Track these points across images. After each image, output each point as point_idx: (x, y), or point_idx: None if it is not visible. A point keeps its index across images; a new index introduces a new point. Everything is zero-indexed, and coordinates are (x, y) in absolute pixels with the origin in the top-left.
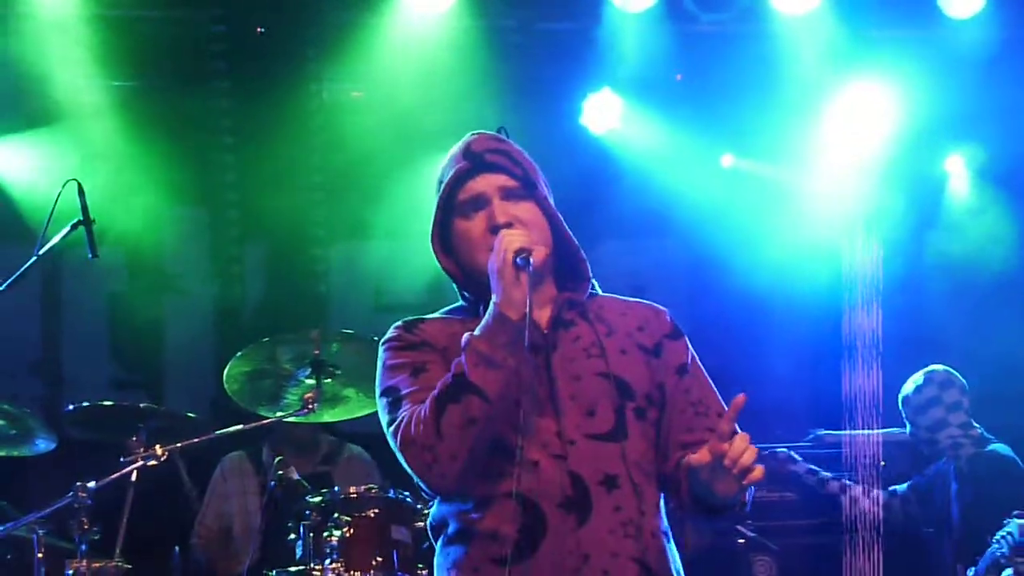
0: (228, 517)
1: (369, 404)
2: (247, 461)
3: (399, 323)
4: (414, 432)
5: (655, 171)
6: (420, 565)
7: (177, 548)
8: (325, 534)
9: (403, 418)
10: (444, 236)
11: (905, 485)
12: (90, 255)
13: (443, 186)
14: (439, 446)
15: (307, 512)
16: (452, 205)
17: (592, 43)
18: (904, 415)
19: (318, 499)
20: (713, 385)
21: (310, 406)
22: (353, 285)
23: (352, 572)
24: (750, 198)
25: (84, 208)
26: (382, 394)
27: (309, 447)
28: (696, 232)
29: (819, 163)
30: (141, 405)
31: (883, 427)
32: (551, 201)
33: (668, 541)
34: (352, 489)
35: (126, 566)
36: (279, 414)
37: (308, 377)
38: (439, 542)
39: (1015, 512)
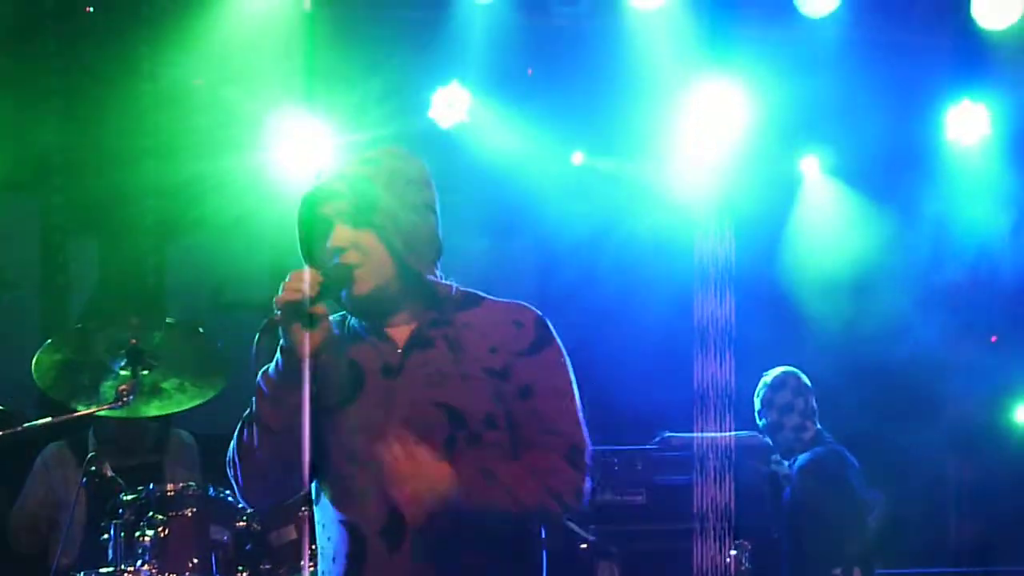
0: (51, 509)
1: (193, 397)
2: (68, 452)
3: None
4: (230, 448)
5: (504, 168)
6: (240, 567)
7: None
8: (138, 534)
9: None
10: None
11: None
12: None
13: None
14: (237, 465)
15: (120, 511)
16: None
17: (441, 33)
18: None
19: (132, 496)
20: (568, 398)
21: (125, 398)
22: (189, 280)
23: (167, 574)
24: (602, 196)
25: None
26: None
27: (135, 436)
28: (546, 231)
29: (672, 161)
30: None
31: (734, 429)
32: (402, 220)
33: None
34: (169, 487)
35: None
36: (90, 408)
37: (124, 368)
38: None
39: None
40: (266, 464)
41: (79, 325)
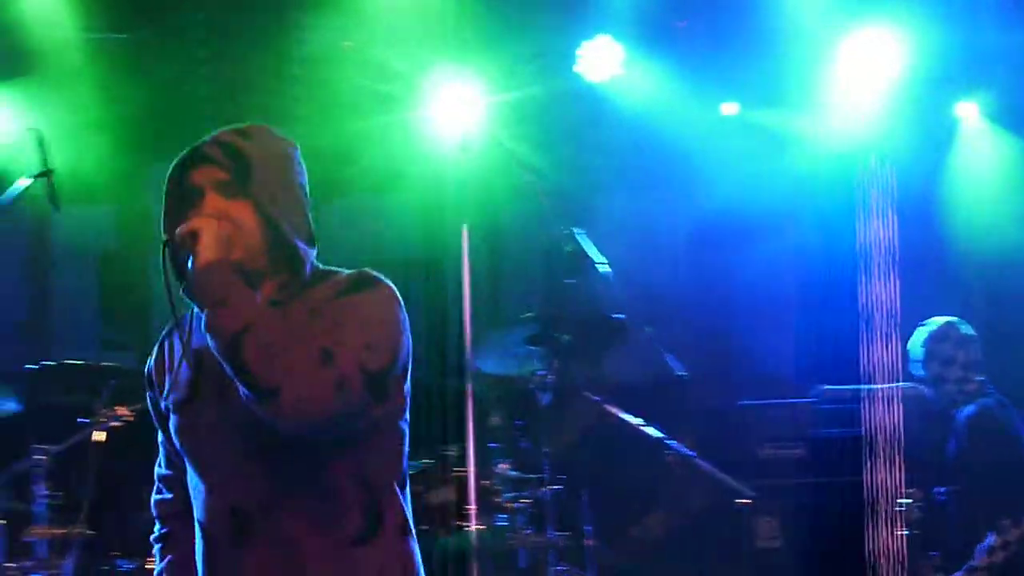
0: None
1: None
2: None
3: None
4: None
5: (656, 121)
6: None
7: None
8: None
9: None
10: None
11: None
12: (53, 208)
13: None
14: None
15: None
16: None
17: None
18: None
19: None
20: (358, 332)
21: None
22: (338, 241)
23: None
24: (756, 147)
25: (44, 158)
26: None
27: None
28: (699, 183)
29: (827, 110)
30: (104, 364)
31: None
32: (278, 197)
33: None
34: None
35: (89, 532)
36: None
37: None
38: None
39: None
40: None
41: None
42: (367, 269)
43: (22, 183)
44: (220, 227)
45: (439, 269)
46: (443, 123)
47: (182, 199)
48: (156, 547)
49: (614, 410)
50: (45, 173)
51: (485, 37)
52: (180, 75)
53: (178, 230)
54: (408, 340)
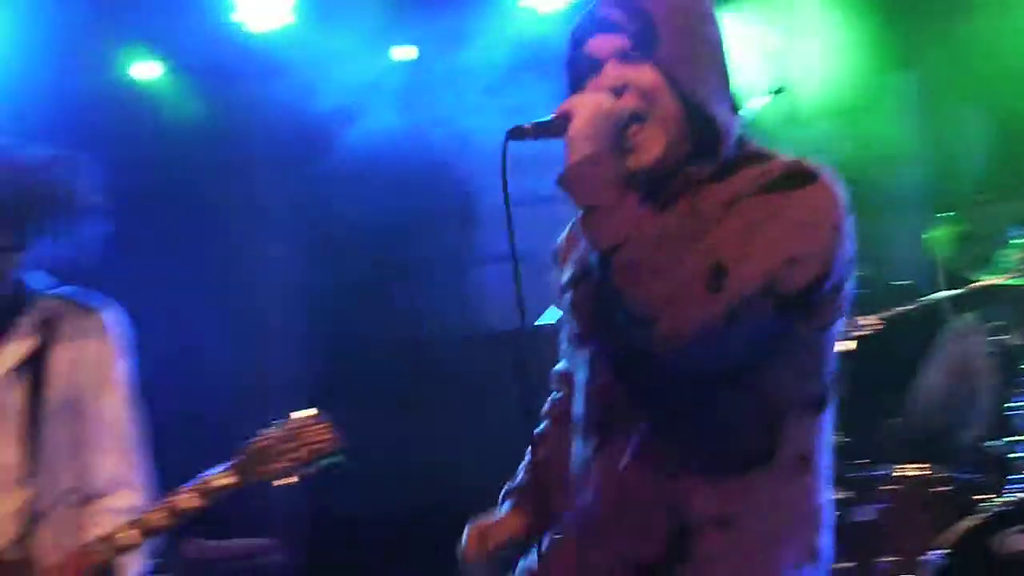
0: (962, 381)
1: None
2: (977, 325)
3: None
4: None
5: None
6: None
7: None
8: None
9: None
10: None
11: None
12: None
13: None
14: None
15: None
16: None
17: None
18: None
19: None
20: (762, 237)
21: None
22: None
23: None
24: None
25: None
26: None
27: None
28: None
29: None
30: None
31: None
32: (689, 58)
33: None
34: None
35: (844, 439)
36: (989, 279)
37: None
38: None
39: None
40: None
41: (979, 197)
42: (804, 159)
43: (759, 102)
44: (608, 105)
45: None
46: None
47: (578, 73)
48: (531, 447)
49: None
50: (780, 90)
51: None
52: None
53: (554, 112)
54: (847, 249)
